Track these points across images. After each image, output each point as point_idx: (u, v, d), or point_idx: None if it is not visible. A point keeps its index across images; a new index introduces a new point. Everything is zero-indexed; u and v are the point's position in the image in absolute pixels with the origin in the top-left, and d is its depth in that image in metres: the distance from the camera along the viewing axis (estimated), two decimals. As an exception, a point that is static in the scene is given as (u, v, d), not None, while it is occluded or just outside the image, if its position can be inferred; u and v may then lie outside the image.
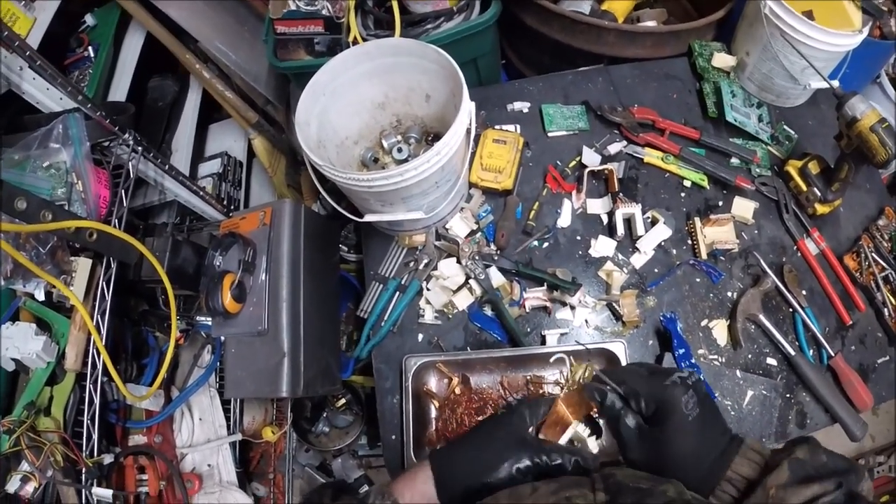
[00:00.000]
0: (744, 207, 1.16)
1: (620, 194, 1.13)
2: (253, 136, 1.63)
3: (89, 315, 1.10)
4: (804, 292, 1.13)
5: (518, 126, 1.21)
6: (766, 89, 1.24)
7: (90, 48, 1.35)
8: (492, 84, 1.37)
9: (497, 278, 1.08)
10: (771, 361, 1.08)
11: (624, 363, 0.98)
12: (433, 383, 1.05)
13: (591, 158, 1.15)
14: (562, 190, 1.15)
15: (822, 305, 1.13)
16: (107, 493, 1.08)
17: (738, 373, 1.05)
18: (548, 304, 1.06)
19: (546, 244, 1.12)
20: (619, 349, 0.99)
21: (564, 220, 1.13)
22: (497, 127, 1.20)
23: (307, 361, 1.19)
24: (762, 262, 1.12)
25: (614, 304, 1.07)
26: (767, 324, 1.08)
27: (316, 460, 1.78)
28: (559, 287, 1.06)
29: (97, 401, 1.10)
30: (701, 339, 1.08)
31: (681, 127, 1.19)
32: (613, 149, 1.17)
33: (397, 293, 1.12)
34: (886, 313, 1.14)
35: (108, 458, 1.12)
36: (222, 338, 1.35)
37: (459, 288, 1.09)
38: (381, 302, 1.11)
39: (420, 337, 1.10)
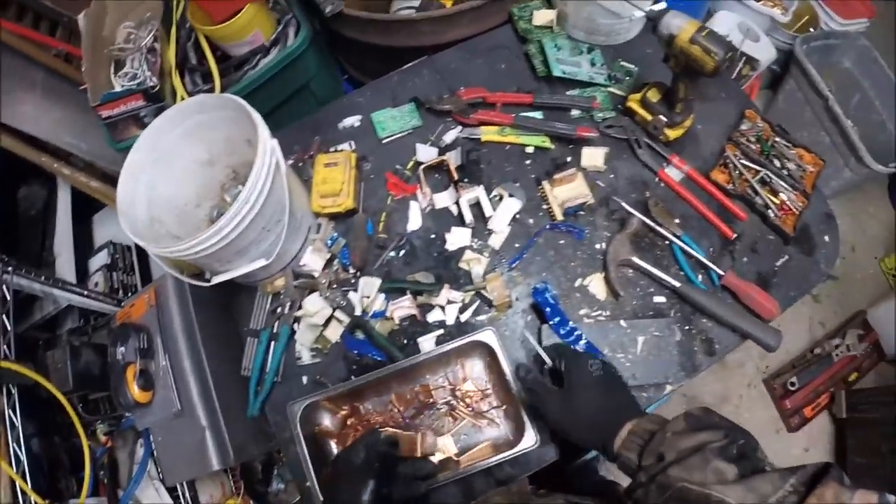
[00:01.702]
0: (593, 156, 1.12)
1: (465, 180, 1.11)
2: (134, 217, 1.63)
3: (5, 444, 1.10)
4: (677, 221, 1.09)
5: (353, 142, 1.19)
6: (594, 32, 1.21)
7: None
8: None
9: (357, 299, 1.06)
10: (659, 300, 1.05)
11: (497, 349, 0.96)
12: (327, 421, 1.03)
13: (425, 153, 1.13)
14: (406, 193, 1.13)
15: (701, 228, 1.10)
16: None
17: (622, 322, 1.02)
18: (415, 311, 1.04)
19: (402, 252, 1.10)
20: (490, 337, 0.97)
21: (414, 223, 1.11)
22: (332, 149, 1.18)
23: (231, 428, 1.18)
24: (623, 203, 1.08)
25: (483, 292, 1.04)
26: (643, 264, 1.04)
27: (285, 518, 1.76)
28: (423, 291, 1.04)
29: (35, 529, 1.09)
30: (580, 300, 1.05)
31: (512, 95, 1.16)
32: (450, 137, 1.15)
33: (272, 343, 1.10)
34: (771, 214, 1.10)
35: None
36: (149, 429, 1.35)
37: (328, 321, 1.08)
38: (259, 356, 1.10)
39: (305, 379, 1.08)
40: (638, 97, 1.14)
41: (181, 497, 1.45)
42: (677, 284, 1.03)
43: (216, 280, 1.04)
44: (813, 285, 1.09)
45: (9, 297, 1.21)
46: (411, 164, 1.14)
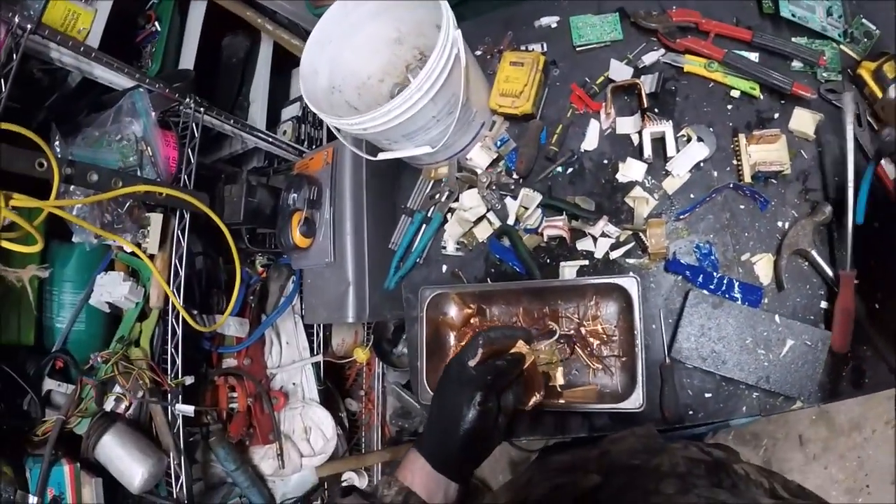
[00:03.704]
0: (804, 121, 0.97)
1: (655, 111, 1.03)
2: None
3: (168, 259, 1.24)
4: (876, 224, 0.94)
5: (545, 44, 1.13)
6: (840, -26, 1.03)
7: (157, 23, 1.43)
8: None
9: (513, 208, 1.06)
10: (825, 306, 0.92)
11: (635, 300, 0.92)
12: (452, 313, 1.07)
13: (619, 72, 1.05)
14: (589, 109, 1.08)
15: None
16: (188, 408, 1.23)
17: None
18: (566, 234, 1.03)
19: (570, 170, 1.07)
20: (632, 285, 0.93)
21: (590, 143, 1.06)
22: (523, 47, 1.14)
23: (372, 289, 1.28)
24: (827, 185, 0.96)
25: (641, 234, 1.00)
26: (821, 261, 0.91)
27: (403, 379, 1.93)
28: (580, 216, 1.03)
29: (179, 332, 1.24)
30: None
31: (729, 27, 1.03)
32: (649, 59, 1.05)
33: (423, 225, 1.15)
34: None
35: (189, 380, 1.25)
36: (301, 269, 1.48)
37: (479, 220, 1.10)
38: (409, 234, 1.16)
39: (444, 268, 1.13)
40: (872, 66, 0.96)
41: (315, 335, 1.62)
42: (850, 296, 0.90)
43: (381, 157, 1.08)
44: None
45: (197, 134, 1.32)
46: (601, 79, 1.07)
